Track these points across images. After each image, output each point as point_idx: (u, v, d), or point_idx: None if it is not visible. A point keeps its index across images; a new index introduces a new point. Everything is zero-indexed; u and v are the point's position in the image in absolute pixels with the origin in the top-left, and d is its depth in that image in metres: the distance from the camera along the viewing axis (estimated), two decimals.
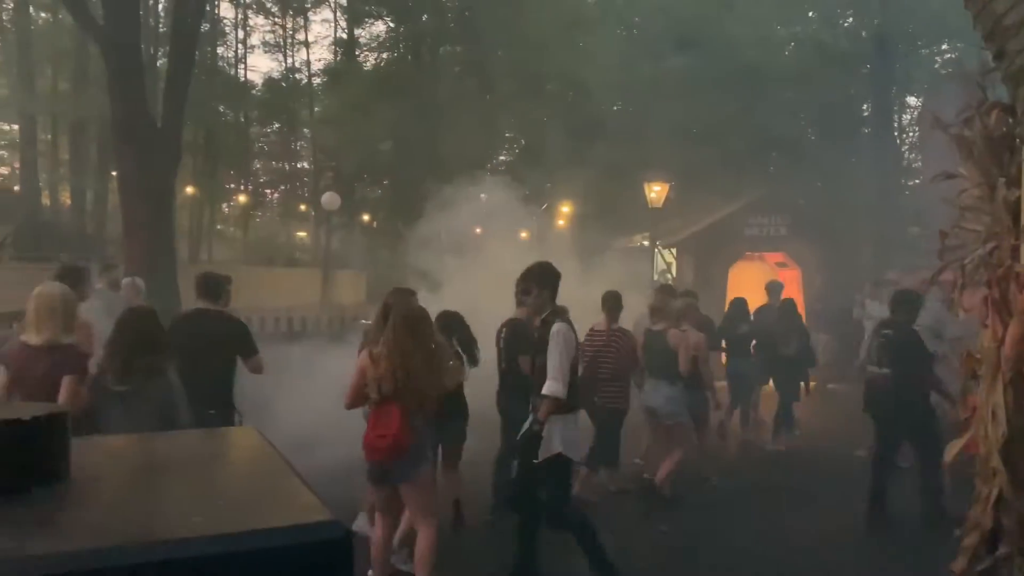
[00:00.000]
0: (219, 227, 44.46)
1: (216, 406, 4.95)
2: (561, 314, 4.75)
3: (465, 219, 14.23)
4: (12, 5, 31.14)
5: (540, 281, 4.74)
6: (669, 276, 17.60)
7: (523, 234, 19.75)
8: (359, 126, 28.45)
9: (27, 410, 1.26)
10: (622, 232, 18.56)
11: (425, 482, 4.45)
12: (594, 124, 24.31)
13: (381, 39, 35.88)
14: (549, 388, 4.54)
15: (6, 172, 37.47)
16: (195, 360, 4.79)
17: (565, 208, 26.89)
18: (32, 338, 4.10)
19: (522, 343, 5.63)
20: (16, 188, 32.59)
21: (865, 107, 27.96)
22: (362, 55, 36.72)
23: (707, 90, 21.35)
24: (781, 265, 17.68)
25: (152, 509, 1.18)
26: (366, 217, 38.46)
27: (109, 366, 4.15)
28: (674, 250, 18.77)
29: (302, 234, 46.54)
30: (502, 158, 32.28)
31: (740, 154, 21.72)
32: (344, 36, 38.85)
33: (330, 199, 21.27)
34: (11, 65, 30.85)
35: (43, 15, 32.86)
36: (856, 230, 17.18)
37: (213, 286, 5.40)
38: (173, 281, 13.85)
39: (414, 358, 4.30)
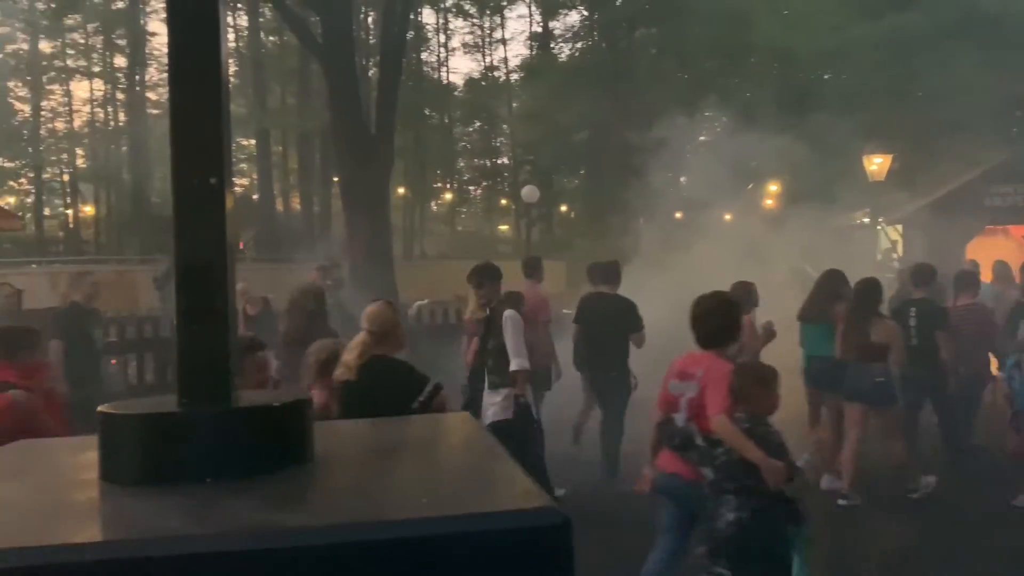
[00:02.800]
0: (429, 224, 47.01)
1: (616, 369, 6.55)
2: (512, 301, 5.68)
3: (665, 203, 13.94)
4: (246, 33, 34.85)
5: (488, 275, 5.81)
6: (895, 255, 16.18)
7: (727, 216, 19.01)
8: (556, 118, 28.81)
9: (276, 396, 1.39)
10: (840, 210, 17.29)
11: None
12: (804, 95, 22.86)
13: (575, 29, 36.09)
14: (518, 364, 5.30)
15: (246, 183, 42.03)
16: (596, 332, 6.58)
17: (773, 187, 25.56)
18: None
19: (940, 320, 6.71)
20: (255, 196, 36.48)
21: None
22: (557, 47, 37.14)
23: (934, 48, 19.29)
24: None
25: (384, 490, 1.25)
26: (564, 207, 38.92)
27: None
28: (900, 227, 17.20)
29: (504, 227, 48.06)
30: (703, 139, 31.34)
31: (976, 117, 19.43)
32: (539, 30, 39.49)
33: (529, 192, 21.75)
34: (246, 86, 34.52)
35: (271, 39, 36.45)
36: None
37: (609, 272, 6.95)
38: (390, 276, 14.85)
39: None
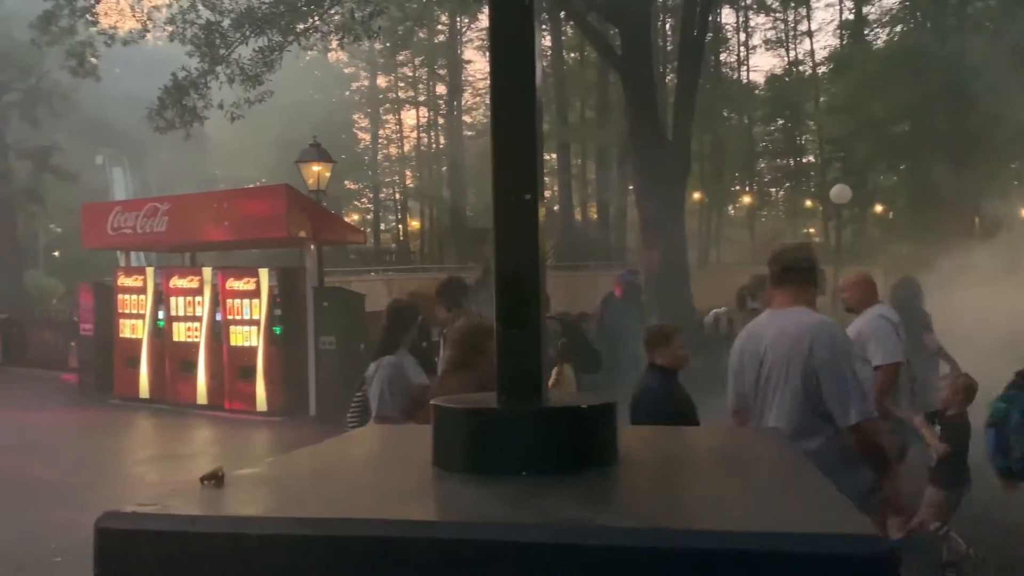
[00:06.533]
0: (726, 229, 45.66)
1: None
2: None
3: (1009, 201, 12.12)
4: (550, 52, 36.76)
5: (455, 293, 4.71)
6: None
7: None
8: (871, 109, 26.33)
9: (584, 398, 1.45)
10: None
11: None
12: None
13: (894, 12, 32.78)
14: None
15: (548, 194, 44.15)
16: None
17: None
18: None
19: None
20: (556, 207, 38.27)
21: None
22: (871, 33, 34.03)
23: None
24: None
25: (692, 498, 1.25)
26: (879, 208, 35.49)
27: None
28: None
29: (810, 231, 45.03)
30: None
31: None
32: (851, 17, 36.54)
33: (840, 192, 20.21)
34: (550, 103, 36.36)
35: (572, 55, 38.02)
36: None
37: None
38: (686, 283, 14.66)
39: None
